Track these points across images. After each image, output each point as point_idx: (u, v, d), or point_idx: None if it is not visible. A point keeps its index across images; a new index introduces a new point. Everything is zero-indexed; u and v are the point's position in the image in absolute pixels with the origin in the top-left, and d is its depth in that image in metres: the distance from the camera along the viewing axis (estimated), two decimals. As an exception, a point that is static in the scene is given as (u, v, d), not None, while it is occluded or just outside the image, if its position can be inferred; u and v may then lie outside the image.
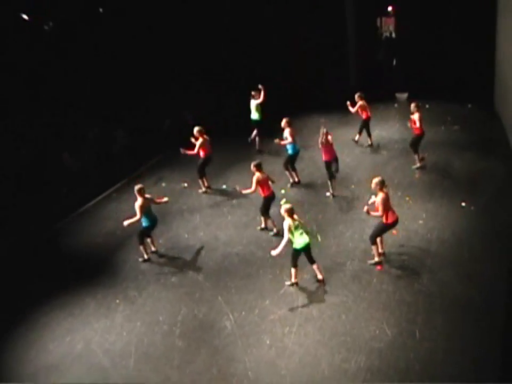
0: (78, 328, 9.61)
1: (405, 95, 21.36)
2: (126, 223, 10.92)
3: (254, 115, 16.16)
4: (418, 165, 14.38)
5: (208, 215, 13.27)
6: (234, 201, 13.88)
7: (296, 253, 9.77)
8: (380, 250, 10.46)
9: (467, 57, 19.74)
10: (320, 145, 12.90)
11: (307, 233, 9.86)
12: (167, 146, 18.23)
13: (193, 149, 13.79)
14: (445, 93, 19.50)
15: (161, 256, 11.61)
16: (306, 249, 9.78)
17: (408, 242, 10.96)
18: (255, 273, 10.62)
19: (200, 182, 14.45)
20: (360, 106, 15.62)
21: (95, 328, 9.55)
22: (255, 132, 16.61)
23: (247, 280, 10.44)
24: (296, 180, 14.18)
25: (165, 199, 11.72)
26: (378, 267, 10.28)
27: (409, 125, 14.09)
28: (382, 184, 9.84)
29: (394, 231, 11.20)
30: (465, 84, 19.23)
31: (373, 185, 9.93)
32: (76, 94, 17.66)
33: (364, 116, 15.86)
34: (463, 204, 12.27)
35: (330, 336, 8.68)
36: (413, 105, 13.95)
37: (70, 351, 9.10)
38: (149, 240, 11.55)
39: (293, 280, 10.01)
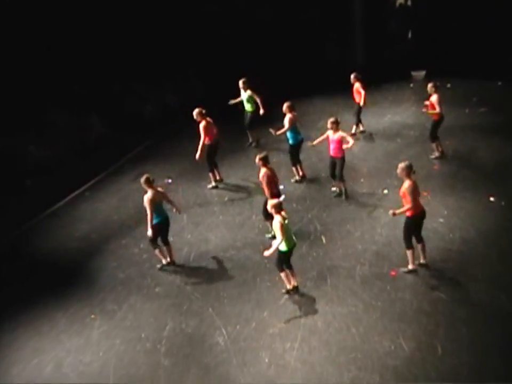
0: (47, 348, 9.58)
1: (422, 73, 21.34)
2: (149, 232, 10.77)
3: (247, 106, 16.16)
4: (436, 154, 14.38)
5: (197, 215, 13.27)
6: (226, 198, 13.88)
7: (284, 255, 9.79)
8: (422, 260, 10.32)
9: (496, 26, 19.48)
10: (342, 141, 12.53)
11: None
12: (149, 135, 18.22)
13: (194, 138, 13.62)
14: (469, 69, 19.42)
15: (143, 262, 11.59)
16: (292, 251, 9.84)
17: (427, 243, 10.90)
18: (251, 281, 10.62)
19: (210, 175, 14.41)
20: (358, 88, 15.65)
21: (67, 347, 9.53)
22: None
23: (242, 289, 10.44)
24: (301, 173, 14.16)
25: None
26: (393, 272, 10.29)
27: (424, 109, 14.06)
28: (409, 170, 9.69)
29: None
30: (494, 58, 19.09)
31: (398, 171, 9.83)
32: (43, 74, 17.54)
33: (357, 100, 15.89)
34: (492, 199, 12.27)
35: (338, 352, 8.68)
36: (429, 85, 13.88)
37: (37, 374, 9.07)
38: (165, 248, 11.35)
39: (288, 286, 10.04)
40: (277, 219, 9.41)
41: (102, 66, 18.87)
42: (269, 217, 11.41)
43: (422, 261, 10.32)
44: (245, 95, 15.85)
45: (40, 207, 14.41)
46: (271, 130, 13.82)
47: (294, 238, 9.85)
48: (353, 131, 16.21)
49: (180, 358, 9.01)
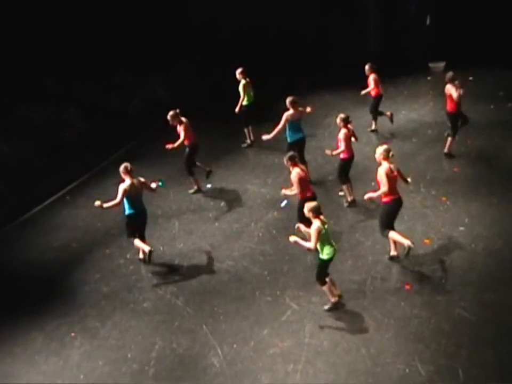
0: (20, 371, 9.53)
1: (441, 65, 21.39)
2: (97, 203, 10.98)
3: (243, 99, 16.34)
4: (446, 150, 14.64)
5: (190, 222, 13.31)
6: (222, 203, 13.92)
7: (325, 264, 9.67)
8: (393, 252, 10.86)
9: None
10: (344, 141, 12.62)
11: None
12: (136, 133, 18.22)
13: (175, 141, 13.76)
14: (495, 60, 19.43)
15: (129, 274, 11.60)
16: (333, 259, 9.76)
17: (447, 254, 10.97)
18: (250, 295, 10.63)
19: (191, 179, 14.50)
20: (374, 80, 15.73)
21: (43, 370, 9.49)
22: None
23: (240, 304, 10.45)
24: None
25: (153, 185, 11.75)
26: (407, 287, 10.30)
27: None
28: (387, 153, 10.40)
29: (427, 240, 11.25)
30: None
31: (376, 155, 10.50)
32: (14, 65, 17.53)
33: (373, 93, 16.00)
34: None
35: (346, 376, 8.66)
36: (448, 75, 14.02)
37: (9, 401, 9.09)
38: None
39: (332, 299, 9.91)
40: (316, 224, 9.31)
41: (84, 57, 18.87)
42: (305, 221, 11.39)
43: (392, 252, 10.87)
44: (240, 85, 15.99)
45: (14, 213, 14.42)
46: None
47: (334, 246, 9.70)
48: (373, 127, 16.41)
49: (170, 381, 8.99)
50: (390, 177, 10.26)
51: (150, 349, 9.64)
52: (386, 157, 10.37)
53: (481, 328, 9.23)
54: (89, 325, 10.39)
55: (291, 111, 13.70)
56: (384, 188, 10.24)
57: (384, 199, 10.45)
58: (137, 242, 11.43)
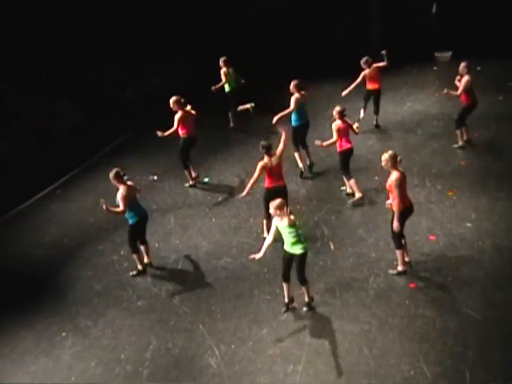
0: (7, 372, 9.52)
1: (448, 55, 21.37)
2: (103, 204, 10.69)
3: (223, 85, 16.81)
4: (460, 143, 14.50)
5: (186, 217, 13.30)
6: (219, 198, 13.92)
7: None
8: (406, 258, 10.59)
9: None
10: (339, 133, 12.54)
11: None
12: (130, 125, 18.21)
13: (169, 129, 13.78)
14: (503, 49, 19.40)
15: (123, 272, 11.59)
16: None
17: (453, 251, 10.94)
18: (248, 293, 10.62)
19: (186, 172, 14.48)
20: (366, 75, 15.62)
21: (32, 371, 9.48)
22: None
23: (238, 302, 10.43)
24: (308, 162, 14.29)
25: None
26: (412, 285, 10.28)
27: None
28: (394, 160, 9.92)
29: (432, 237, 11.21)
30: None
31: (383, 163, 10.04)
32: (9, 53, 17.51)
33: (370, 86, 15.91)
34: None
35: (348, 377, 8.64)
36: (462, 65, 13.97)
37: (-3, 403, 9.08)
38: (142, 247, 11.55)
39: (285, 300, 10.03)
40: (284, 221, 9.22)
41: (75, 46, 18.83)
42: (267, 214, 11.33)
43: (406, 258, 10.61)
44: (221, 71, 16.54)
45: (3, 207, 14.41)
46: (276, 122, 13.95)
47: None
48: (361, 115, 16.34)
49: (165, 382, 8.97)
50: (402, 186, 9.93)
51: (144, 349, 9.62)
52: (395, 164, 9.91)
53: (488, 328, 9.19)
54: (80, 324, 10.38)
55: (297, 95, 13.79)
56: (397, 198, 9.87)
57: (396, 208, 10.07)
58: (135, 257, 11.39)
